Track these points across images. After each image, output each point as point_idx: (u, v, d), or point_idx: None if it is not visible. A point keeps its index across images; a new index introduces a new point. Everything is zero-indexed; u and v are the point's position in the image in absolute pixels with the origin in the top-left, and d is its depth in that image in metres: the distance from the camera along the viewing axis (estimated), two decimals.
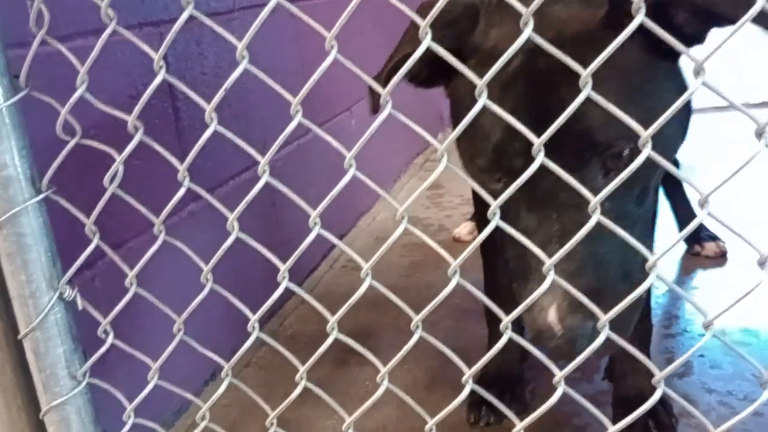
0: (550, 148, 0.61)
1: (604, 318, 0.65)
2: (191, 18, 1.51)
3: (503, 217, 0.67)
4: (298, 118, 0.73)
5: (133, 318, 1.19)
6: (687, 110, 0.88)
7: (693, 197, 2.00)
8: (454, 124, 0.79)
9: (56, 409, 0.86)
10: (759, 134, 0.59)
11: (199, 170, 1.51)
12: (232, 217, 0.79)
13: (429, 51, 0.64)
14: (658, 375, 0.70)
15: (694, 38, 0.79)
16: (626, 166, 0.64)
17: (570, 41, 0.73)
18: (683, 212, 1.98)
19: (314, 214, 0.76)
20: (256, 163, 0.80)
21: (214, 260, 0.81)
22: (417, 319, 0.77)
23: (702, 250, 1.89)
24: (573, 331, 0.77)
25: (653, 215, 1.05)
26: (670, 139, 0.86)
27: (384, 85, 0.83)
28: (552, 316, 0.77)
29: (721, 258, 1.87)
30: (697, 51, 0.58)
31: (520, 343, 0.73)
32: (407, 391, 0.82)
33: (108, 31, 0.76)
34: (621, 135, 0.75)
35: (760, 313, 1.52)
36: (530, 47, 0.64)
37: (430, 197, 2.61)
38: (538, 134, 0.61)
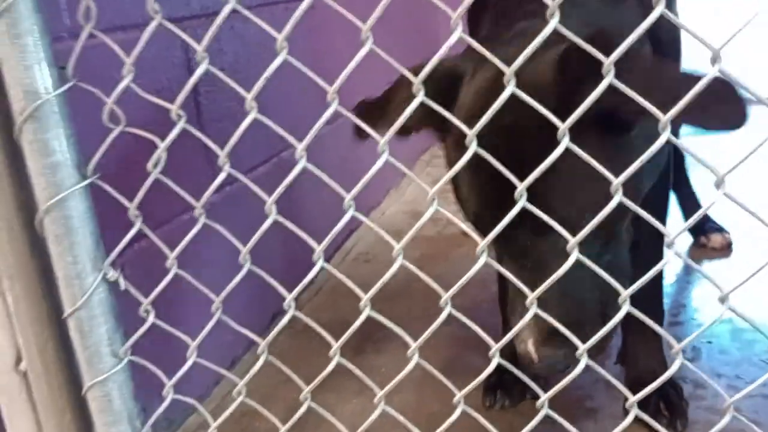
0: (525, 220, 0.72)
1: (581, 348, 0.75)
2: (211, 14, 1.56)
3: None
4: (334, 105, 0.77)
5: (170, 299, 1.23)
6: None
7: (698, 190, 2.04)
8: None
9: (99, 385, 0.90)
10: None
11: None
12: (270, 200, 0.83)
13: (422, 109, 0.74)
14: (677, 346, 0.74)
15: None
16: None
17: (539, 129, 0.73)
18: (689, 204, 2.02)
19: (349, 196, 0.80)
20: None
21: (252, 242, 0.85)
22: (447, 296, 0.81)
23: (708, 242, 1.93)
24: (545, 360, 0.93)
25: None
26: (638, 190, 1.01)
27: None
28: (530, 347, 0.94)
29: (726, 250, 1.91)
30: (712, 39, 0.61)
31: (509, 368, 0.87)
32: (423, 378, 0.87)
33: (154, 24, 0.80)
34: (579, 213, 0.85)
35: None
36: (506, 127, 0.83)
37: (439, 192, 2.65)
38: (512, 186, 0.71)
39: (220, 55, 1.56)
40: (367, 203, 2.48)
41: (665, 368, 1.35)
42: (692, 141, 1.01)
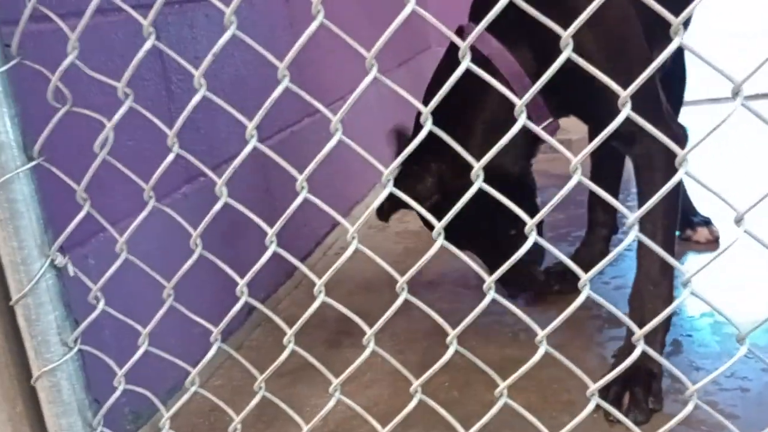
0: None
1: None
2: (185, 1, 1.53)
3: None
4: (285, 83, 0.74)
5: (124, 289, 1.20)
6: None
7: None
8: None
9: (47, 374, 0.87)
10: (735, 93, 0.60)
11: (191, 153, 1.53)
12: (220, 182, 0.80)
13: None
14: (638, 333, 0.71)
15: None
16: None
17: None
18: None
19: (301, 177, 0.77)
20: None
21: (203, 225, 0.82)
22: (402, 280, 0.78)
23: (694, 234, 1.90)
24: None
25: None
26: None
27: None
28: None
29: (713, 243, 1.88)
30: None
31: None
32: (399, 371, 0.84)
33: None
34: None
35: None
36: None
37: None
38: None
39: (194, 44, 1.53)
40: (352, 197, 2.45)
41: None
42: None
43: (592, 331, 1.53)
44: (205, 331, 0.91)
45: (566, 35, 0.61)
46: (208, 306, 1.48)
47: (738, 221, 0.65)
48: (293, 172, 0.79)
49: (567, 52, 0.61)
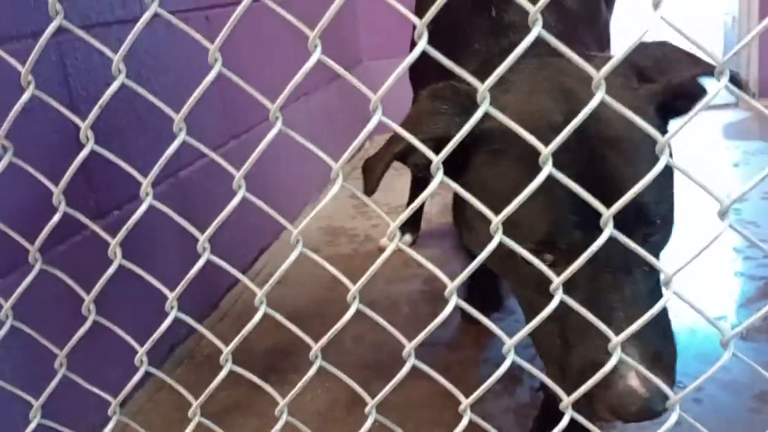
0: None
1: (675, 397, 0.70)
2: (94, 25, 1.44)
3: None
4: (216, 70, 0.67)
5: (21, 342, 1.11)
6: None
7: None
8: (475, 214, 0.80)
9: None
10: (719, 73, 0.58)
11: (103, 189, 1.44)
12: (146, 182, 0.72)
13: (435, 142, 0.68)
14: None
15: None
16: (659, 231, 0.83)
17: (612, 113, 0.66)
18: None
19: (238, 175, 0.70)
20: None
21: (122, 232, 0.74)
22: (354, 288, 0.72)
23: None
24: (656, 393, 0.77)
25: None
26: None
27: (384, 168, 0.88)
28: (632, 381, 0.78)
29: None
30: None
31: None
32: (327, 411, 0.79)
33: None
34: (659, 201, 0.82)
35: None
36: (562, 122, 0.75)
37: (356, 206, 2.57)
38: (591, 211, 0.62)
39: (104, 70, 1.44)
40: (282, 217, 2.37)
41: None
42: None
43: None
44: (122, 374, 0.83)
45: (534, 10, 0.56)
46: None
47: (722, 214, 0.61)
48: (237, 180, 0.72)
49: (537, 29, 0.56)
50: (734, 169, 2.54)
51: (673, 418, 0.69)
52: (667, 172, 0.81)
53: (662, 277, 0.65)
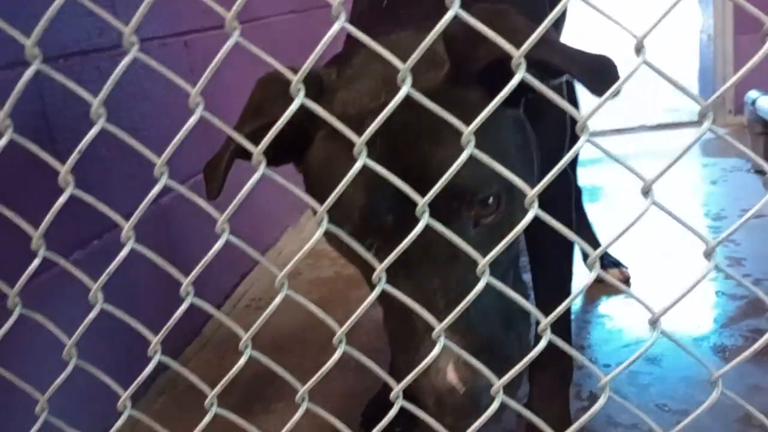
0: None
1: (498, 383, 0.65)
2: (72, 55, 1.42)
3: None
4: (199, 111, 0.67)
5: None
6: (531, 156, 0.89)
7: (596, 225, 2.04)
8: (316, 198, 0.71)
9: None
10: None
11: (83, 216, 1.41)
12: (127, 225, 0.70)
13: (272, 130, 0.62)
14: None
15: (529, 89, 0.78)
16: (494, 212, 0.77)
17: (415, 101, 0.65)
18: (587, 238, 2.01)
19: (222, 218, 0.67)
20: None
21: (104, 276, 0.72)
22: (341, 331, 0.70)
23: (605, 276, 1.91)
24: (475, 388, 0.74)
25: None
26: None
27: (226, 167, 0.83)
28: (450, 374, 0.74)
29: (625, 284, 1.89)
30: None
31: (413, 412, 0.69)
32: None
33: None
34: (484, 182, 0.76)
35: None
36: (379, 107, 0.67)
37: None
38: (404, 193, 0.61)
39: (82, 100, 1.42)
40: (263, 241, 2.36)
41: (568, 418, 1.30)
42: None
43: None
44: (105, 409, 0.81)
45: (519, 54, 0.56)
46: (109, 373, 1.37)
47: (708, 255, 0.60)
48: (213, 213, 0.69)
49: (520, 74, 0.57)
50: (713, 187, 2.56)
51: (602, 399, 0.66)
52: (499, 150, 0.71)
53: (481, 263, 0.62)
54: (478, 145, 0.58)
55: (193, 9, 1.90)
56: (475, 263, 0.62)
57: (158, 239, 1.69)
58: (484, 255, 0.62)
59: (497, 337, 0.79)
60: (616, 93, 0.59)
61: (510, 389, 0.68)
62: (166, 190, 0.70)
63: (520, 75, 0.55)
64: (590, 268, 0.64)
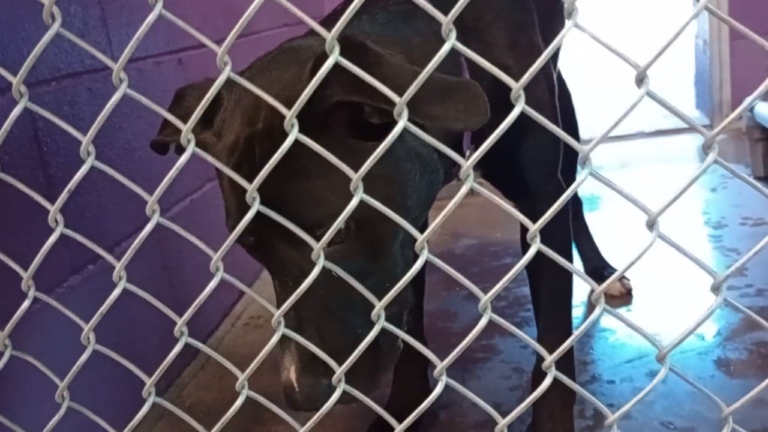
0: (276, 228, 0.72)
1: (338, 371, 0.74)
2: (64, 77, 1.41)
3: None
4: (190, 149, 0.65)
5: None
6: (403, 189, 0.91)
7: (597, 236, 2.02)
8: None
9: None
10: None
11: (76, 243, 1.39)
12: (119, 266, 0.69)
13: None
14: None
15: (382, 129, 0.79)
16: (344, 237, 0.84)
17: (280, 133, 0.68)
18: (588, 249, 1.99)
19: (216, 256, 0.67)
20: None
21: (95, 318, 0.71)
22: (339, 371, 0.69)
23: (607, 289, 1.89)
24: (306, 389, 0.86)
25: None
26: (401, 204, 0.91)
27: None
28: (291, 374, 0.86)
29: (626, 296, 1.87)
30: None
31: None
32: None
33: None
34: (329, 216, 0.77)
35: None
36: (248, 136, 0.84)
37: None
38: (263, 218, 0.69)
39: (75, 121, 1.41)
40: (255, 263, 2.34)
41: None
42: None
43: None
44: None
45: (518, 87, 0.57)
46: (105, 402, 1.35)
47: (716, 289, 0.59)
48: (208, 251, 0.69)
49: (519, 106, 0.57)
50: (712, 194, 2.55)
51: None
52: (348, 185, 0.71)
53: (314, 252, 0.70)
54: (327, 184, 0.76)
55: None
56: (324, 275, 0.72)
57: (152, 265, 1.67)
58: (340, 269, 0.74)
59: (344, 341, 0.87)
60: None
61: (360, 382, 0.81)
62: (163, 208, 0.69)
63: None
64: (595, 302, 0.62)
